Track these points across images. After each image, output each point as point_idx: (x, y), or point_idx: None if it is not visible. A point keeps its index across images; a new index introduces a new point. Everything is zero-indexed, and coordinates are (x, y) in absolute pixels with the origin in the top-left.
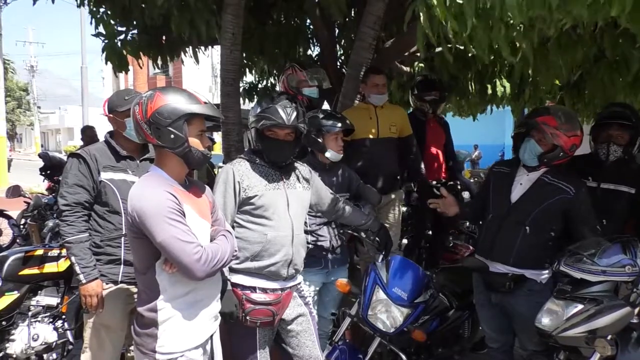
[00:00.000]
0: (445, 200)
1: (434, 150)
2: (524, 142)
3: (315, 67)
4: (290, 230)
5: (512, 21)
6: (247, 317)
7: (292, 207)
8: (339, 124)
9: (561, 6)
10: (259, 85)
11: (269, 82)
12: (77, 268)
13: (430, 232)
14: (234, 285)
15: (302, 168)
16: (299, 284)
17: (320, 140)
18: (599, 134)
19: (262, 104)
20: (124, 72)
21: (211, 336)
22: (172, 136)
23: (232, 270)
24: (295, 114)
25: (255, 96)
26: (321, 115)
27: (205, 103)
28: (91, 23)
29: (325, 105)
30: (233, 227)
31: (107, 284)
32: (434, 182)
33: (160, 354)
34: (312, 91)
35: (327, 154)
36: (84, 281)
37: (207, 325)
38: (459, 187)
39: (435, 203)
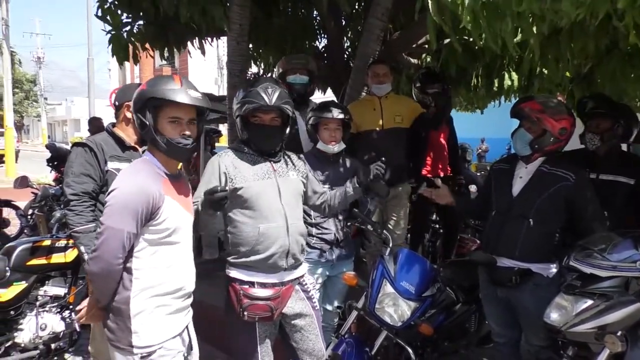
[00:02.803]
0: (438, 190)
1: (437, 144)
2: (515, 133)
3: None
4: (283, 220)
5: (519, 10)
6: (245, 313)
7: (284, 195)
8: (326, 113)
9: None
10: (263, 77)
11: (274, 74)
12: (86, 257)
13: (437, 226)
14: (232, 280)
15: (295, 158)
16: (302, 277)
17: (313, 131)
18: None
19: (244, 89)
20: (130, 63)
21: (186, 326)
22: (139, 121)
23: (230, 264)
24: (277, 94)
25: None
26: (316, 106)
27: (178, 89)
28: (96, 14)
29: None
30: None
31: None
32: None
33: (137, 348)
34: (296, 78)
35: (318, 145)
36: None
37: (181, 316)
38: (463, 181)
39: (427, 191)
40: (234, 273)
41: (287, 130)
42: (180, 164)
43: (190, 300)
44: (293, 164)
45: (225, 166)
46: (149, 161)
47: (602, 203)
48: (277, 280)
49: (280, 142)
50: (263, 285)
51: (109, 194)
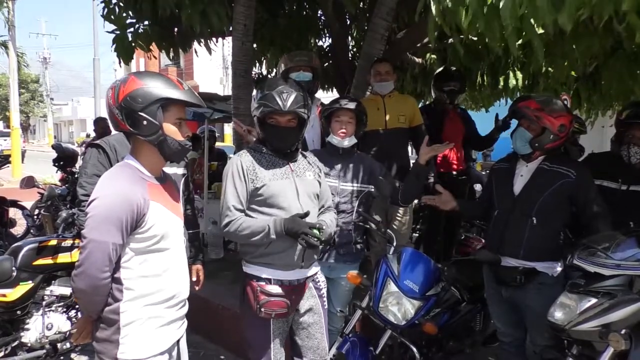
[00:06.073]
0: (441, 196)
1: (453, 139)
2: (514, 132)
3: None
4: None
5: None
6: (262, 309)
7: (302, 195)
8: (338, 103)
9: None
10: (268, 76)
11: (275, 72)
12: None
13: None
14: (249, 276)
15: (311, 158)
16: (316, 274)
17: (327, 124)
18: (620, 134)
19: (261, 90)
20: (134, 63)
21: (178, 341)
22: (145, 122)
23: (247, 261)
24: (292, 98)
25: None
26: (330, 99)
27: (185, 89)
28: (102, 15)
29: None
30: (245, 212)
31: None
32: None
33: None
34: (299, 75)
35: (328, 138)
36: None
37: (173, 329)
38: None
39: (430, 199)
40: (251, 270)
41: (304, 130)
42: (183, 163)
43: (185, 309)
44: (309, 164)
45: (247, 166)
46: (130, 165)
47: (632, 214)
48: (293, 277)
49: (295, 142)
50: (280, 282)
51: (89, 204)
